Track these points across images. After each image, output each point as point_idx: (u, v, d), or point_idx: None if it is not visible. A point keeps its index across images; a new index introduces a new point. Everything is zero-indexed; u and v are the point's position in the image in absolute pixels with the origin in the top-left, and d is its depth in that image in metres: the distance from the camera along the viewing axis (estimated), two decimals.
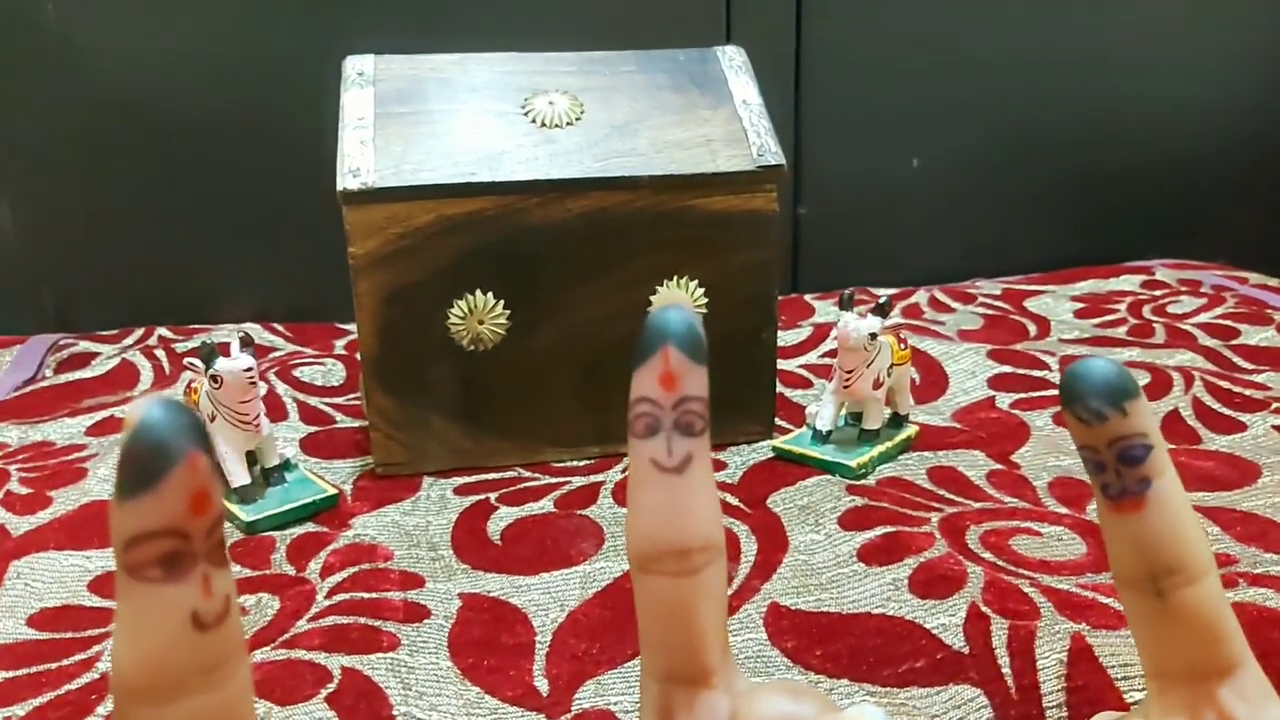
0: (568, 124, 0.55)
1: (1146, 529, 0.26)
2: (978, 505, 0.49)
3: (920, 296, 0.88)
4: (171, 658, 0.18)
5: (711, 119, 0.56)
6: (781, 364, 0.70)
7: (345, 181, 0.51)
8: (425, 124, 0.54)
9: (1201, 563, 0.27)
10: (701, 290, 0.56)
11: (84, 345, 0.79)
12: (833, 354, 0.54)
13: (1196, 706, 0.27)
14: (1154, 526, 0.26)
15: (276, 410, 0.65)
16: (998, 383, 0.66)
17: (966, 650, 0.37)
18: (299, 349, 0.78)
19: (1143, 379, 0.65)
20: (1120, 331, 0.78)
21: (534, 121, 0.55)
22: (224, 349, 0.50)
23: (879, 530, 0.47)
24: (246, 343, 0.50)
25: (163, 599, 0.17)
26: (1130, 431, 0.25)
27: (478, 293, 0.54)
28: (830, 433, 0.55)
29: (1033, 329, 0.79)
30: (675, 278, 0.55)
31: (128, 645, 0.18)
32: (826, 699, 0.24)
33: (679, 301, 0.23)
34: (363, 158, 0.52)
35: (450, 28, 0.84)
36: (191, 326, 0.84)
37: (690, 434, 0.23)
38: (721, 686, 0.25)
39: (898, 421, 0.57)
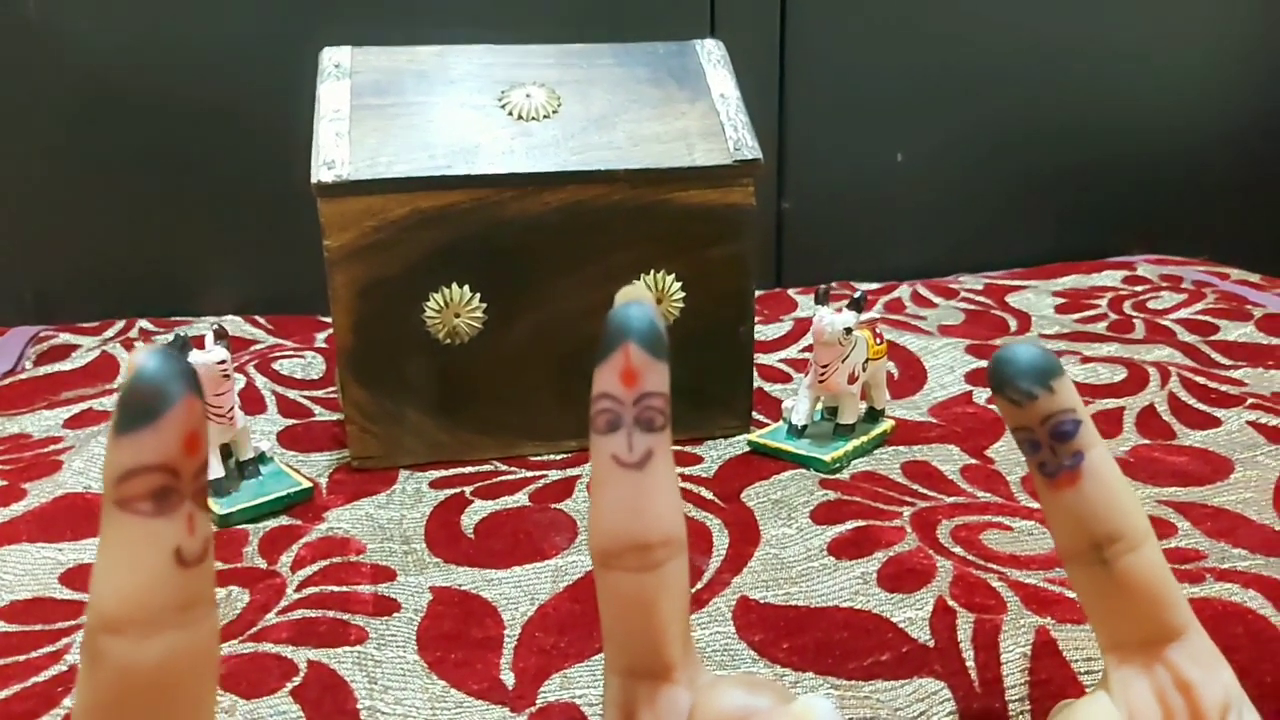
0: (545, 117, 0.55)
1: (1085, 501, 0.27)
2: (950, 500, 0.50)
3: (903, 291, 0.88)
4: (152, 591, 0.18)
5: (689, 113, 0.56)
6: (761, 358, 0.70)
7: (320, 174, 0.51)
8: (402, 116, 0.54)
9: (1140, 529, 0.28)
10: (679, 284, 0.56)
11: (64, 337, 0.79)
12: (812, 349, 0.54)
13: (1152, 672, 0.28)
14: (1091, 498, 0.27)
15: (255, 403, 0.64)
16: (975, 378, 0.66)
17: (932, 644, 0.38)
18: (279, 341, 0.78)
19: (1119, 374, 0.65)
20: (1100, 327, 0.78)
21: (511, 114, 0.55)
22: (198, 342, 0.50)
23: (850, 524, 0.47)
24: (220, 335, 0.50)
25: (149, 532, 0.18)
26: (1060, 408, 0.27)
27: (454, 286, 0.54)
28: (805, 427, 0.55)
29: (1013, 324, 0.80)
30: (652, 271, 0.55)
31: (109, 577, 0.18)
32: (784, 691, 0.24)
33: (641, 297, 0.23)
34: (338, 150, 0.52)
35: (428, 19, 0.83)
36: (172, 319, 0.83)
37: (651, 429, 0.23)
38: (683, 681, 0.25)
39: (873, 416, 0.58)
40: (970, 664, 0.36)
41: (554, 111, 0.55)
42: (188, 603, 0.19)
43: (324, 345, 0.76)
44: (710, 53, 0.60)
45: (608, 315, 0.23)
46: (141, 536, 0.18)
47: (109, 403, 0.66)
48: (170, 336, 0.78)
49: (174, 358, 0.18)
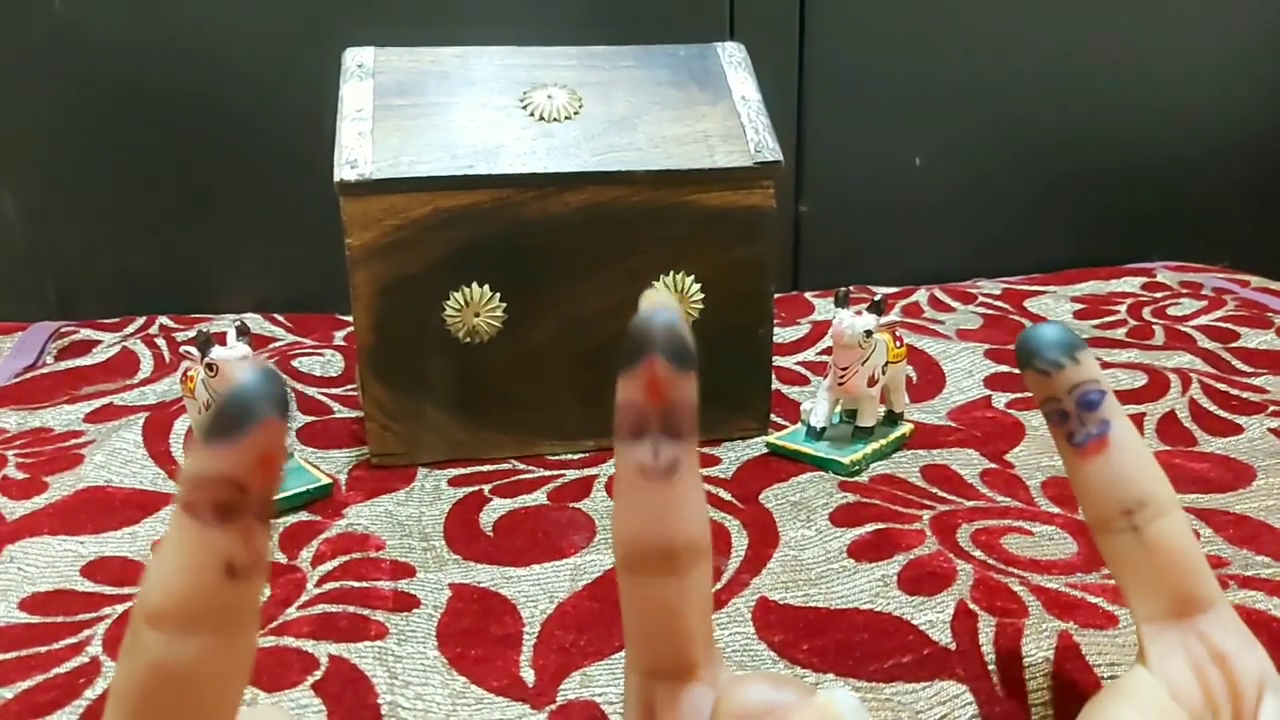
0: (566, 118, 0.55)
1: (1113, 468, 0.29)
2: (970, 504, 0.49)
3: (920, 295, 0.88)
4: (196, 595, 0.19)
5: (710, 115, 0.56)
6: (779, 361, 0.70)
7: (343, 173, 0.51)
8: (424, 116, 0.54)
9: (1168, 495, 0.29)
10: (698, 286, 0.56)
11: (85, 333, 0.79)
12: (830, 352, 0.54)
13: (1188, 645, 0.29)
14: (1119, 464, 0.29)
15: None
16: (994, 382, 0.66)
17: (953, 647, 0.37)
18: (299, 339, 0.78)
19: (1140, 381, 0.65)
20: (1120, 333, 0.78)
21: (532, 115, 0.55)
22: (220, 338, 0.50)
23: (870, 527, 0.47)
24: (242, 332, 0.51)
25: (206, 539, 0.19)
26: (1086, 377, 0.28)
27: (474, 285, 0.54)
28: (824, 429, 0.55)
29: None
30: (672, 273, 0.55)
31: (161, 572, 0.19)
32: (808, 689, 0.24)
33: (665, 304, 0.23)
34: (360, 149, 0.52)
35: (450, 20, 0.84)
36: (192, 316, 0.84)
37: (677, 438, 0.23)
38: (705, 679, 0.25)
39: (892, 419, 0.57)
40: (992, 667, 0.36)
41: (575, 113, 0.56)
42: (229, 613, 0.19)
43: (343, 343, 0.77)
44: (731, 55, 0.60)
45: (632, 322, 0.23)
46: (197, 541, 0.19)
47: (129, 398, 0.66)
48: (193, 332, 0.78)
49: (273, 379, 0.19)
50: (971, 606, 0.40)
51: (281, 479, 0.20)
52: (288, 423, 0.19)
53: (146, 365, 0.73)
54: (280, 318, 0.83)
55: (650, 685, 0.25)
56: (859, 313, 0.52)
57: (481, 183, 0.52)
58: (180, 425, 0.60)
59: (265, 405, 0.19)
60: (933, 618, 0.39)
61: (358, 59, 0.56)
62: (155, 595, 0.19)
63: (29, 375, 0.71)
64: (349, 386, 0.68)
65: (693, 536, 0.23)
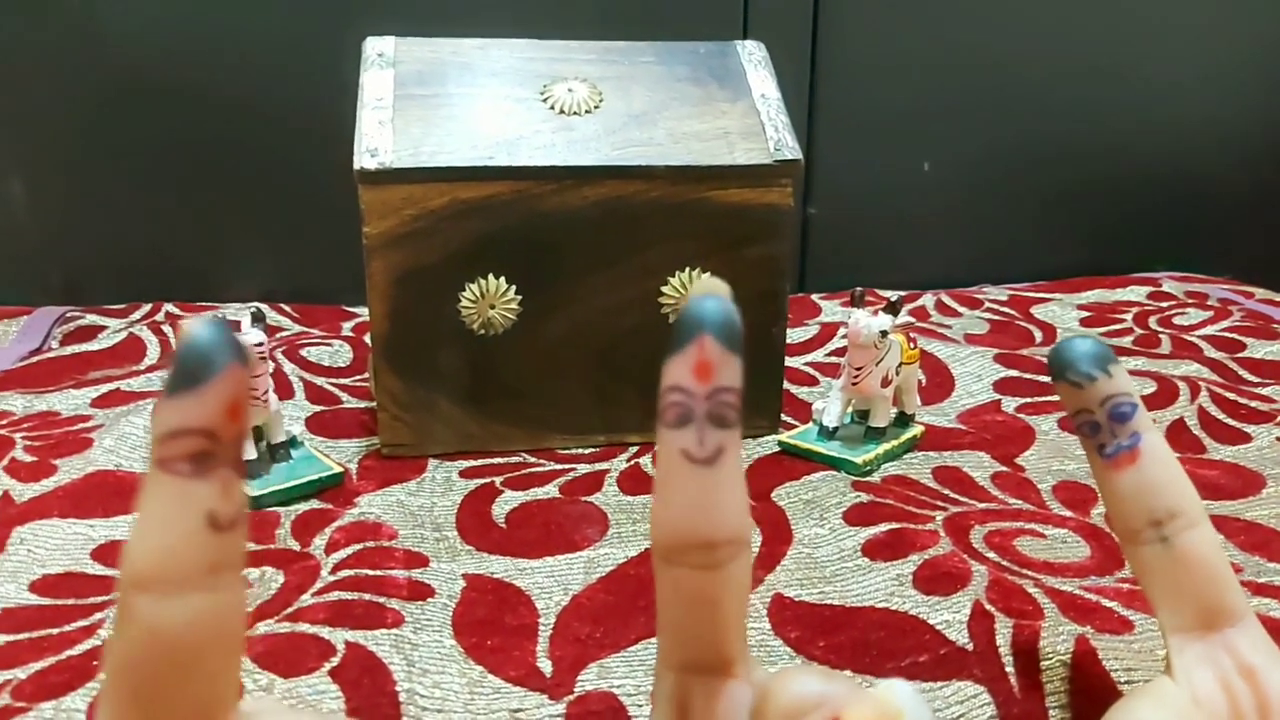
0: (586, 112, 0.55)
1: (1144, 479, 0.29)
2: (982, 506, 0.50)
3: (927, 300, 0.88)
4: (183, 551, 0.19)
5: (730, 112, 0.56)
6: (787, 361, 0.70)
7: (363, 161, 0.51)
8: (444, 107, 0.54)
9: (1198, 508, 0.30)
10: None
11: (91, 318, 0.79)
12: (839, 353, 0.54)
13: (1215, 657, 0.29)
14: (1150, 475, 0.29)
15: (283, 389, 0.65)
16: (1004, 386, 0.66)
17: (970, 647, 0.37)
18: (306, 330, 0.78)
19: (1148, 388, 0.65)
20: (1126, 341, 0.78)
21: (552, 108, 0.55)
22: (235, 325, 0.50)
23: (883, 526, 0.47)
24: (258, 318, 0.50)
25: (185, 493, 0.19)
26: (1118, 390, 0.29)
27: (490, 277, 0.54)
28: (836, 429, 0.55)
29: (1039, 336, 0.80)
30: (687, 269, 0.55)
31: (143, 535, 0.19)
32: (856, 684, 0.24)
33: (717, 290, 0.23)
34: (381, 138, 0.52)
35: (471, 12, 0.84)
36: (198, 304, 0.84)
37: (723, 425, 0.23)
38: (741, 675, 0.24)
39: (904, 420, 0.57)
40: (1010, 669, 0.36)
41: (595, 107, 0.55)
42: (216, 566, 0.19)
43: (351, 334, 0.76)
44: (751, 54, 0.60)
45: (683, 307, 0.23)
46: (176, 496, 0.19)
47: (136, 384, 0.66)
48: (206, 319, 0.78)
49: (224, 328, 0.19)
50: (988, 607, 0.40)
51: (250, 426, 0.20)
52: (247, 367, 0.19)
53: (153, 352, 0.72)
54: (287, 308, 0.82)
55: (685, 681, 0.25)
56: (875, 313, 0.52)
57: (501, 174, 0.52)
58: None
59: (223, 352, 0.19)
60: (949, 618, 0.39)
61: (378, 48, 0.56)
62: (141, 558, 0.19)
63: (34, 359, 0.70)
64: (357, 377, 0.68)
65: (734, 528, 0.23)
